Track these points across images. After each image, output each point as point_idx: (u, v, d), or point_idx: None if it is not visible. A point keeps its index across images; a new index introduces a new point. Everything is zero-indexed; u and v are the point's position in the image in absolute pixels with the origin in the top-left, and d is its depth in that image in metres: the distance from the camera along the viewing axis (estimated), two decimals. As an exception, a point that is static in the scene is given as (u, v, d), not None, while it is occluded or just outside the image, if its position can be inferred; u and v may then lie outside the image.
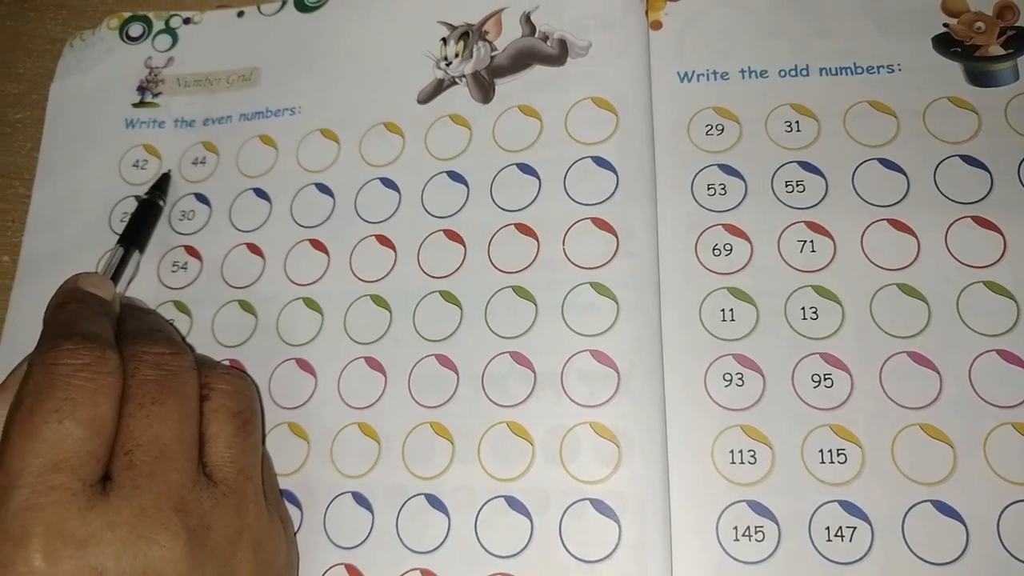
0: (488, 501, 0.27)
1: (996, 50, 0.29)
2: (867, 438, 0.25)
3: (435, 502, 0.27)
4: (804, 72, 0.30)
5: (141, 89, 0.36)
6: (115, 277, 0.30)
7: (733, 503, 0.25)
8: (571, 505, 0.26)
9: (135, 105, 0.35)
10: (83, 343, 0.23)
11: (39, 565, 0.20)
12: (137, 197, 0.33)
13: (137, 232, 0.32)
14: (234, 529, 0.24)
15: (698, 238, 0.28)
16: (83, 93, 0.36)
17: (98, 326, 0.25)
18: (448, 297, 0.29)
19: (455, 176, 0.31)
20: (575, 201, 0.30)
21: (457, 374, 0.28)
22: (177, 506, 0.22)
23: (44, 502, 0.21)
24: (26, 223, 0.34)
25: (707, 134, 0.30)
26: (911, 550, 0.24)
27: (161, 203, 0.33)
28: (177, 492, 0.23)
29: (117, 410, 0.23)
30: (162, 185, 0.33)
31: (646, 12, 0.32)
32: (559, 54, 0.32)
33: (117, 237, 0.32)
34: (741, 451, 0.26)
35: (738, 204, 0.29)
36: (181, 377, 0.25)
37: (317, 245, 0.31)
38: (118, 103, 0.36)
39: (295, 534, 0.28)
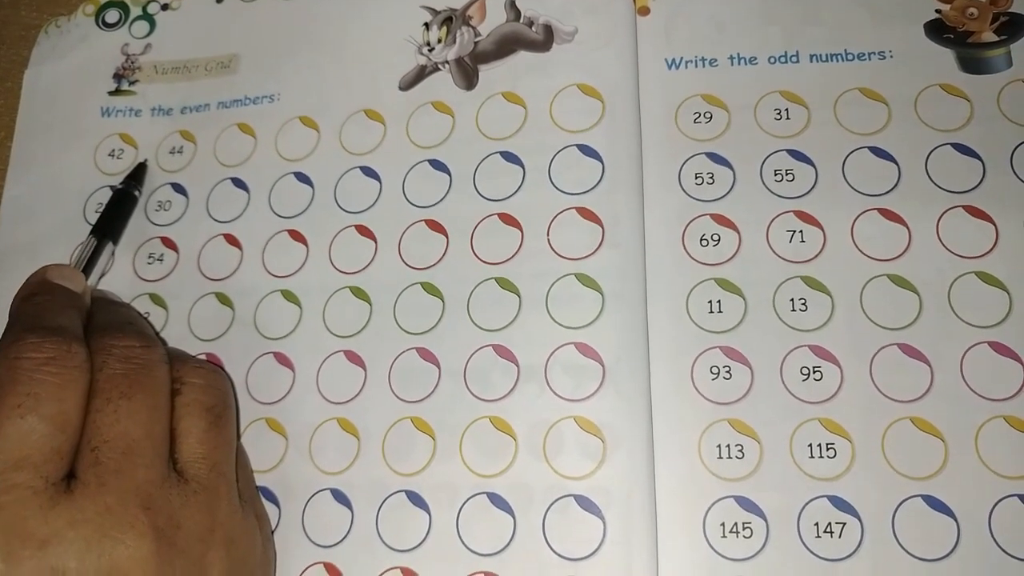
0: (470, 498, 0.26)
1: (989, 36, 0.29)
2: (857, 432, 0.25)
3: (416, 499, 0.26)
4: (794, 59, 0.29)
5: (117, 77, 0.35)
6: (87, 269, 0.29)
7: (720, 499, 0.25)
8: (555, 501, 0.26)
9: (111, 93, 0.35)
10: (48, 336, 0.23)
11: None
12: (112, 187, 0.32)
13: (111, 223, 0.31)
14: (205, 527, 0.23)
15: (685, 228, 0.28)
16: (58, 81, 0.35)
17: (65, 319, 0.25)
18: (430, 289, 0.29)
19: (437, 165, 0.30)
20: (560, 190, 0.29)
21: (439, 368, 0.28)
22: (144, 504, 0.22)
23: (3, 501, 0.20)
24: (-1, 214, 0.33)
25: (695, 122, 0.29)
26: (902, 546, 0.24)
27: (137, 193, 0.32)
28: (145, 489, 0.22)
29: (83, 405, 0.22)
30: (138, 175, 0.32)
31: (633, -2, 0.31)
32: (544, 40, 0.31)
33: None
34: (728, 446, 0.25)
35: (726, 193, 0.28)
36: (151, 371, 0.24)
37: (296, 236, 0.31)
38: (94, 91, 0.35)
39: (272, 532, 0.27)
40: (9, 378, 0.22)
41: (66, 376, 0.22)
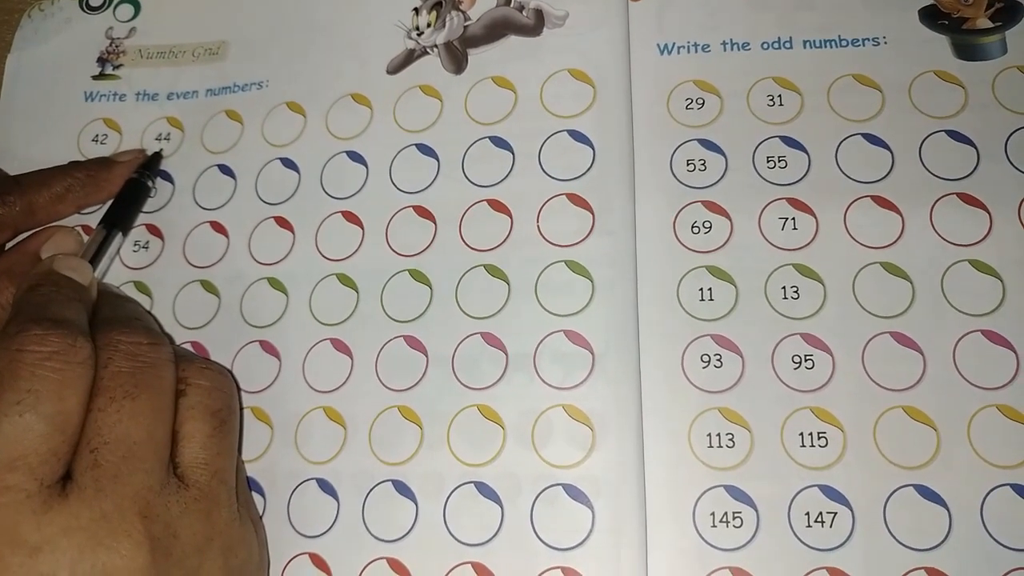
0: (457, 487, 0.26)
1: (984, 23, 0.28)
2: (849, 421, 0.25)
3: (402, 488, 0.26)
4: (787, 45, 0.29)
5: (101, 61, 0.34)
6: (94, 260, 0.29)
7: (710, 488, 0.25)
8: (543, 491, 0.25)
9: (95, 77, 0.34)
10: (52, 329, 0.22)
11: None
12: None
13: (122, 214, 0.30)
14: (203, 536, 0.22)
15: (676, 215, 0.28)
16: (41, 65, 0.35)
17: (71, 312, 0.24)
18: (417, 276, 0.28)
19: (425, 149, 0.30)
20: (550, 176, 0.29)
21: (426, 356, 0.27)
22: (142, 511, 0.21)
23: None
24: (-20, 199, 0.33)
25: (687, 108, 0.29)
26: (893, 535, 0.24)
27: (150, 184, 0.31)
28: (143, 496, 0.21)
29: (85, 404, 0.22)
30: (152, 165, 0.31)
31: (625, -18, 0.31)
32: (535, 24, 0.31)
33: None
34: (719, 434, 0.25)
35: (718, 180, 0.28)
36: (157, 370, 0.23)
37: (282, 223, 0.30)
38: (77, 75, 0.34)
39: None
40: (10, 372, 0.21)
41: (69, 372, 0.21)
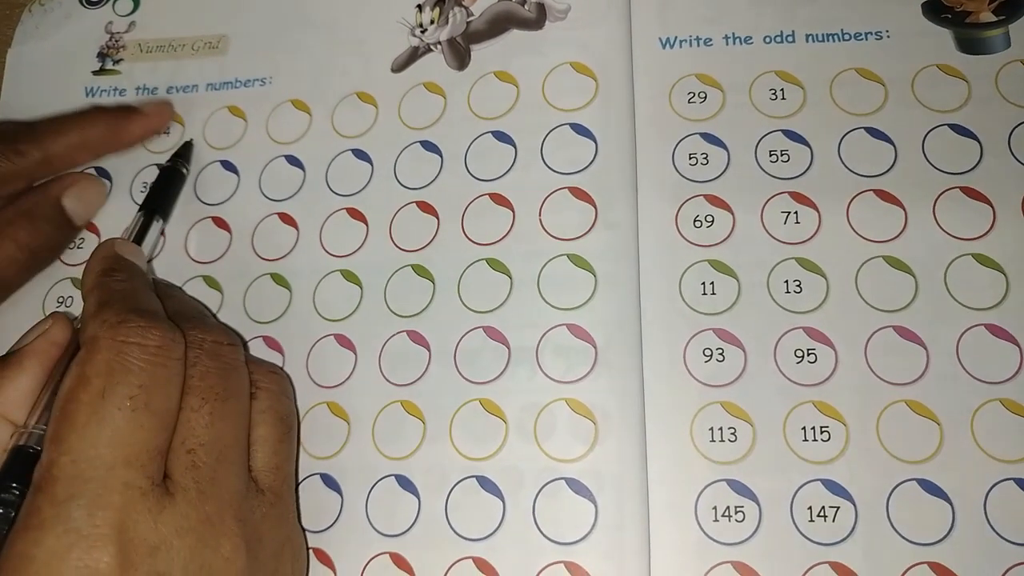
0: (459, 481, 0.26)
1: (987, 17, 0.28)
2: (851, 415, 0.25)
3: (405, 483, 0.26)
4: (790, 38, 0.29)
5: (101, 56, 0.34)
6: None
7: (713, 482, 0.25)
8: (546, 485, 0.25)
9: (95, 72, 0.34)
10: (153, 322, 0.22)
11: (110, 571, 0.19)
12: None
13: (157, 200, 0.30)
14: (279, 542, 0.23)
15: (679, 209, 0.28)
16: (41, 60, 0.35)
17: (156, 304, 0.24)
18: (420, 271, 0.28)
19: (428, 146, 0.30)
20: (552, 170, 0.29)
21: (429, 350, 0.27)
22: (238, 515, 0.21)
23: (116, 500, 0.20)
24: (-19, 195, 0.33)
25: (689, 102, 0.29)
26: (896, 530, 0.24)
27: (184, 171, 0.31)
28: (235, 500, 0.22)
29: (179, 401, 0.22)
30: (184, 152, 0.31)
31: (627, -24, 0.31)
32: (537, 18, 0.31)
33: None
34: (721, 428, 0.25)
35: (720, 174, 0.28)
36: (239, 372, 0.23)
37: (286, 219, 0.30)
38: (78, 70, 0.34)
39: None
40: (120, 364, 0.21)
41: (171, 369, 0.21)
